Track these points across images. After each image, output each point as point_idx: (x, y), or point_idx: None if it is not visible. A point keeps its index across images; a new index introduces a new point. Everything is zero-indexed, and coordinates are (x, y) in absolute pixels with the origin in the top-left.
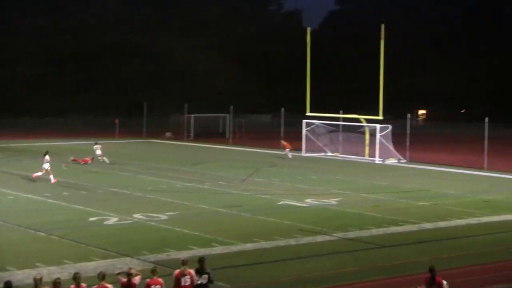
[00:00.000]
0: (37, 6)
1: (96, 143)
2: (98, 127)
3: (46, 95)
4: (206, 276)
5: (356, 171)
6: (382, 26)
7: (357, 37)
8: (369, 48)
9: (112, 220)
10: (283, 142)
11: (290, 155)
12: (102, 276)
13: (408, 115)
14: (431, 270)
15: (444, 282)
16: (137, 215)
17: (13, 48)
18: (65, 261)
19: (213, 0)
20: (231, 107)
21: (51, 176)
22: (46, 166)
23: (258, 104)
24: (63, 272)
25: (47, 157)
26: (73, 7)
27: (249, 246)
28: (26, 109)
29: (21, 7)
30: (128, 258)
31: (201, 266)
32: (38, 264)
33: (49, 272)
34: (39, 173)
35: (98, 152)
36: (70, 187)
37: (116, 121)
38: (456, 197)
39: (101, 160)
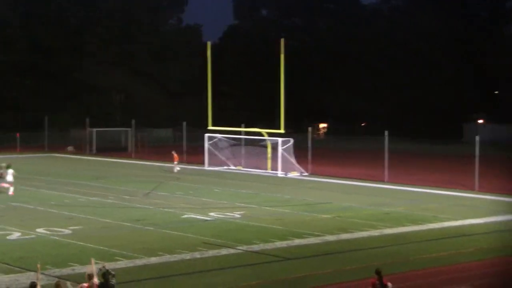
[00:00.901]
0: None
1: None
2: None
3: None
4: None
5: (259, 185)
6: (282, 41)
7: (258, 51)
8: (270, 62)
9: (15, 235)
10: (174, 154)
11: (176, 168)
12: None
13: (309, 129)
14: (378, 273)
15: (390, 285)
16: (40, 230)
17: None
18: None
19: (111, 13)
20: (133, 121)
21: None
22: (10, 178)
23: (160, 119)
24: None
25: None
26: None
27: (153, 259)
28: None
29: None
30: (32, 273)
31: (105, 280)
32: None
33: None
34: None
35: None
36: None
37: (17, 135)
38: (358, 209)
39: None
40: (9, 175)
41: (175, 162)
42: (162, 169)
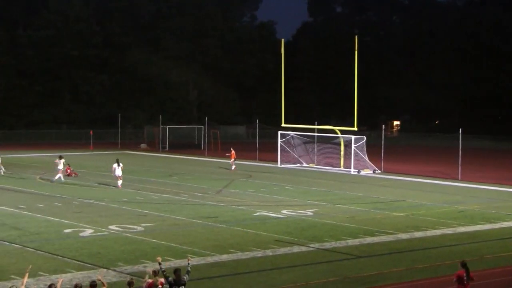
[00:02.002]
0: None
1: None
2: (72, 139)
3: (17, 107)
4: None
5: (332, 182)
6: (356, 38)
7: (331, 48)
8: (343, 59)
9: (88, 231)
10: (232, 152)
11: (233, 166)
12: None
13: (383, 126)
14: (464, 265)
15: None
16: (113, 227)
17: None
18: (41, 273)
19: (184, 9)
20: (206, 118)
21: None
22: (60, 167)
23: (233, 116)
24: (39, 284)
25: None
26: (43, 19)
27: (225, 257)
28: None
29: None
30: (104, 270)
31: (177, 276)
32: (12, 276)
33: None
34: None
35: None
36: (45, 199)
37: (91, 132)
38: (431, 207)
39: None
40: (119, 169)
41: (232, 160)
42: (218, 166)
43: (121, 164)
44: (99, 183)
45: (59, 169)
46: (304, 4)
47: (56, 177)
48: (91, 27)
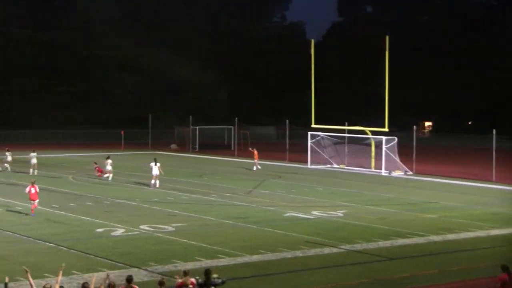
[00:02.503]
0: (34, 19)
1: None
2: (103, 139)
3: (48, 107)
4: None
5: (362, 183)
6: (387, 38)
7: (361, 48)
8: (374, 59)
9: (119, 231)
10: (255, 152)
11: (257, 166)
12: (112, 286)
13: (414, 127)
14: (506, 268)
15: None
16: (144, 227)
17: (9, 62)
18: (74, 271)
19: (211, 8)
20: (236, 119)
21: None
22: (109, 167)
23: (262, 116)
24: (72, 282)
25: (108, 160)
26: (71, 21)
27: (255, 257)
28: (27, 121)
29: (12, 20)
30: (136, 269)
31: (207, 278)
32: (46, 274)
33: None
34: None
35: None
36: (77, 198)
37: (122, 133)
38: (464, 209)
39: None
40: (155, 168)
41: (255, 160)
42: (242, 166)
43: (158, 164)
44: (130, 183)
45: (108, 169)
46: (334, 4)
47: (105, 176)
48: (120, 28)
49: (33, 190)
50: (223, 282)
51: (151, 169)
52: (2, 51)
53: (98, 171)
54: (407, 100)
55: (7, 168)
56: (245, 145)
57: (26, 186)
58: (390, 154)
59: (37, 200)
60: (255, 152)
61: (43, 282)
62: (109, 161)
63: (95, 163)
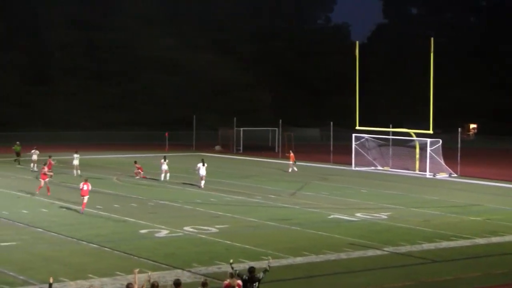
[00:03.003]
0: (79, 20)
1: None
2: (148, 141)
3: (93, 108)
4: (256, 284)
5: (407, 185)
6: (432, 40)
7: (406, 50)
8: (419, 61)
9: (163, 232)
10: (291, 154)
11: (293, 168)
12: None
13: (459, 129)
14: None
15: None
16: (187, 228)
17: (55, 63)
18: (117, 272)
19: (257, 9)
20: (280, 121)
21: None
22: (164, 167)
23: (307, 118)
24: (115, 283)
25: (165, 161)
26: (117, 22)
27: (299, 259)
28: (72, 122)
29: (58, 21)
30: (179, 270)
31: (252, 275)
32: (90, 275)
33: (101, 284)
34: (164, 174)
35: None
36: (121, 199)
37: (166, 134)
38: (509, 212)
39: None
40: (203, 169)
41: (292, 162)
42: (281, 168)
43: (205, 164)
44: (173, 185)
45: (163, 169)
46: (379, 6)
47: (162, 177)
48: (165, 30)
49: (85, 187)
50: (265, 271)
51: (198, 169)
52: (48, 52)
53: (139, 169)
54: (452, 102)
55: (33, 168)
56: (289, 147)
57: (71, 187)
58: (434, 156)
59: (87, 197)
60: (291, 154)
61: (86, 283)
62: (166, 161)
63: (135, 162)
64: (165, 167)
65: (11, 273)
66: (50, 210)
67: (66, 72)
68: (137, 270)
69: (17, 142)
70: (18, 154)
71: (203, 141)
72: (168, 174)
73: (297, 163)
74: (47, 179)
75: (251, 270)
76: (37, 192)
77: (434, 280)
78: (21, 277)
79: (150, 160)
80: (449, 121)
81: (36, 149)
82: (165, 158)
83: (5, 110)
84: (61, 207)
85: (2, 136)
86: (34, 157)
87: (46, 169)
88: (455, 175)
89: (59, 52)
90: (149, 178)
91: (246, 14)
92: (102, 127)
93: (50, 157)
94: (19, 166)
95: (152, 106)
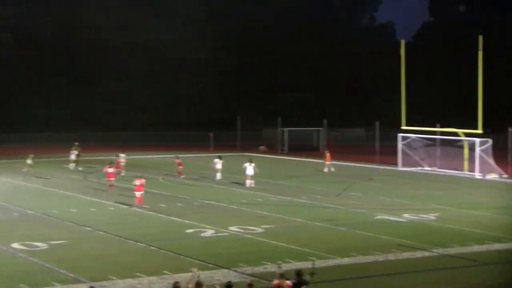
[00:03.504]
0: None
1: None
2: (192, 141)
3: (138, 109)
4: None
5: (455, 186)
6: (480, 38)
7: (453, 49)
8: (466, 59)
9: (209, 232)
10: (327, 154)
11: (330, 168)
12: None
13: (510, 129)
14: None
15: None
16: (233, 228)
17: (102, 64)
18: (164, 271)
19: (300, 10)
20: (325, 121)
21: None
22: (219, 166)
23: (352, 118)
24: (163, 282)
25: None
26: (160, 25)
27: (346, 260)
28: (116, 123)
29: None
30: (225, 270)
31: (299, 279)
32: (138, 274)
33: (149, 282)
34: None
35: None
36: (167, 199)
37: (210, 134)
38: None
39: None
40: (250, 169)
41: (327, 162)
42: (370, 170)
43: (253, 164)
44: (219, 185)
45: (218, 168)
46: (425, 4)
47: (218, 176)
48: (210, 31)
49: (138, 182)
50: (312, 274)
51: (245, 169)
52: (95, 54)
53: (178, 165)
54: (503, 101)
55: (70, 168)
56: (335, 147)
57: (117, 187)
58: (484, 157)
59: (141, 192)
60: (328, 154)
61: (134, 281)
62: (221, 161)
63: (177, 157)
64: (219, 166)
65: (62, 271)
66: (98, 209)
67: (112, 74)
68: (195, 269)
69: (76, 143)
70: (77, 156)
71: (248, 141)
72: (219, 174)
73: (344, 163)
74: (112, 178)
75: (299, 273)
76: (109, 192)
77: (484, 283)
78: (71, 275)
79: (194, 160)
80: (499, 120)
81: (122, 152)
82: (220, 157)
83: (50, 111)
84: (110, 206)
85: (49, 136)
86: (72, 157)
87: (112, 169)
88: (506, 175)
89: (106, 54)
90: (194, 178)
91: (291, 15)
92: (147, 128)
93: (118, 156)
94: (80, 169)
95: (197, 106)
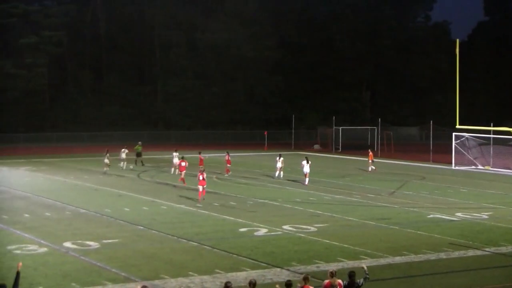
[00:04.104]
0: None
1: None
2: (247, 140)
3: (195, 108)
4: None
5: (508, 185)
6: None
7: (508, 48)
8: None
9: (262, 231)
10: (370, 153)
11: (371, 167)
12: (253, 284)
13: None
14: None
15: None
16: (286, 227)
17: (158, 63)
18: (217, 270)
19: (357, 9)
20: (379, 119)
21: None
22: (279, 164)
23: (406, 117)
24: (215, 281)
25: (280, 158)
26: (219, 22)
27: (398, 259)
28: (173, 122)
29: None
30: (278, 269)
31: (351, 281)
32: (190, 273)
33: (201, 281)
34: (278, 172)
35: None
36: (220, 198)
37: (265, 133)
38: None
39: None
40: (307, 167)
41: (370, 161)
42: (380, 167)
43: (309, 162)
44: (273, 183)
45: (278, 167)
46: (481, 3)
47: (277, 174)
48: (266, 29)
49: (201, 177)
50: (366, 279)
51: (302, 167)
52: (150, 52)
53: (227, 163)
54: None
55: (122, 167)
56: (388, 146)
57: (171, 185)
58: None
59: (204, 186)
60: (371, 153)
61: (186, 280)
62: (281, 159)
63: (199, 152)
64: (279, 164)
65: (113, 270)
66: (151, 208)
67: (168, 72)
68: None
69: (139, 142)
70: (139, 155)
71: (302, 140)
72: (281, 172)
73: (397, 162)
74: (184, 171)
75: (351, 274)
76: (184, 185)
77: None
78: (123, 274)
79: (247, 159)
80: None
81: (126, 148)
82: (280, 155)
83: (110, 110)
84: (163, 205)
85: (104, 135)
86: (123, 155)
87: (184, 162)
88: None
89: (161, 52)
90: (247, 177)
91: (347, 12)
92: (203, 127)
93: (200, 153)
94: (142, 166)
95: (252, 105)
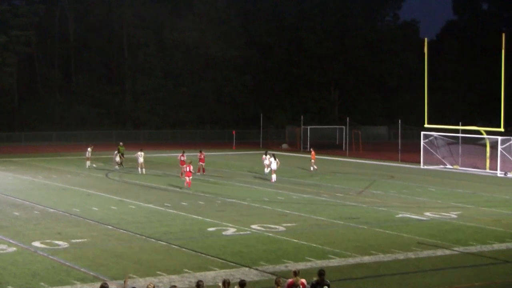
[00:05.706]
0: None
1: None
2: (215, 139)
3: (163, 107)
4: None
5: (477, 184)
6: (503, 35)
7: (477, 47)
8: (490, 58)
9: (230, 230)
10: (312, 152)
11: (312, 167)
12: (227, 283)
13: None
14: None
15: None
16: (255, 226)
17: (127, 62)
18: (185, 270)
19: (326, 8)
20: (347, 118)
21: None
22: (266, 162)
23: (375, 116)
24: (184, 280)
25: (268, 156)
26: (188, 22)
27: (366, 258)
28: (141, 121)
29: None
30: (247, 269)
31: (321, 279)
32: (159, 272)
33: (169, 281)
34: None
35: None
36: (189, 197)
37: (233, 132)
38: None
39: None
40: (274, 163)
41: (313, 160)
42: (349, 166)
43: (277, 159)
44: (240, 183)
45: (266, 164)
46: (449, 2)
47: (267, 171)
48: (234, 28)
49: (187, 169)
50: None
51: (265, 161)
52: (119, 52)
53: (201, 161)
54: None
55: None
56: (357, 145)
57: (138, 185)
58: (506, 155)
59: (191, 177)
60: (313, 152)
61: (155, 279)
62: (271, 157)
63: (200, 150)
64: (267, 161)
65: (82, 269)
66: (120, 207)
67: (136, 71)
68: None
69: (120, 143)
70: (122, 155)
71: (271, 139)
72: (269, 169)
73: (366, 161)
74: (190, 176)
75: (321, 272)
76: (189, 187)
77: (506, 281)
78: (91, 273)
79: (215, 158)
80: None
81: (141, 150)
82: (266, 153)
83: (79, 109)
84: (131, 205)
85: (73, 135)
86: (140, 159)
87: (184, 157)
88: None
89: (130, 52)
90: (215, 176)
91: (315, 12)
92: (171, 126)
93: (200, 151)
94: (120, 166)
95: (221, 104)
